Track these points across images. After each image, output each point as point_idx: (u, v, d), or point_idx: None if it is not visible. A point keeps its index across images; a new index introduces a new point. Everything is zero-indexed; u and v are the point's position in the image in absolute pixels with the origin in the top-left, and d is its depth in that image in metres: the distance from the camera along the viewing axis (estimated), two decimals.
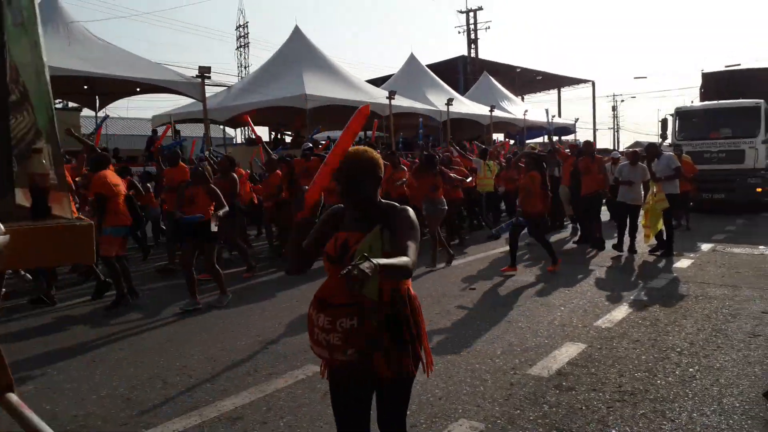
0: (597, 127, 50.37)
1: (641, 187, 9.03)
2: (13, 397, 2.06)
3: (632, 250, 9.19)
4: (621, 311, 5.92)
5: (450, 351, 4.84)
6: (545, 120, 31.27)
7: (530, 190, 7.91)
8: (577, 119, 34.33)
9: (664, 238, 9.08)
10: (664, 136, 15.52)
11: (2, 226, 1.44)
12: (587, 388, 4.03)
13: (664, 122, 15.51)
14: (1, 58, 1.71)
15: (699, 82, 18.15)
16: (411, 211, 2.25)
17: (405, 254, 2.02)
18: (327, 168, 2.27)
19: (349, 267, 1.70)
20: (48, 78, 1.70)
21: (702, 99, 17.26)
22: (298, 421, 3.63)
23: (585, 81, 49.66)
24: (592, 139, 18.13)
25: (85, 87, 18.12)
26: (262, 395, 4.03)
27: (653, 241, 9.16)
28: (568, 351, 4.78)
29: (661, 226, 8.92)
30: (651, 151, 9.68)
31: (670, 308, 5.98)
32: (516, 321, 5.68)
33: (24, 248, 1.53)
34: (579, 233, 10.72)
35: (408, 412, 3.68)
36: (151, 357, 4.91)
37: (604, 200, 10.27)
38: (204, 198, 6.51)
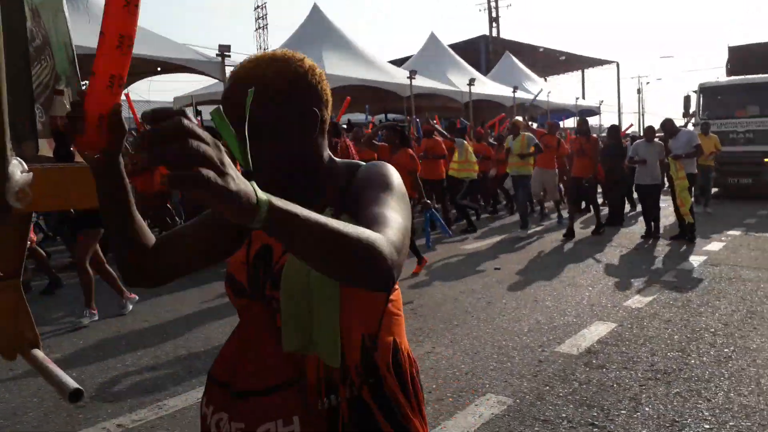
0: (622, 110, 49.52)
1: (658, 165, 8.57)
2: (39, 352, 2.01)
3: (654, 234, 8.63)
4: (651, 292, 5.77)
5: (476, 328, 4.75)
6: (571, 102, 30.78)
7: None
8: (602, 101, 33.76)
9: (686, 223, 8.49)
10: (686, 115, 14.53)
11: (26, 165, 1.37)
12: (618, 366, 3.91)
13: (686, 99, 14.55)
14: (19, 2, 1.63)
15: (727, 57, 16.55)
16: (388, 167, 1.13)
17: (373, 228, 0.91)
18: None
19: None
20: (66, 15, 1.62)
21: (729, 75, 15.95)
22: None
23: (609, 62, 48.75)
24: (616, 122, 17.54)
25: None
26: None
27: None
28: (598, 330, 4.66)
29: (688, 203, 8.32)
30: (667, 127, 8.98)
31: (703, 289, 5.81)
32: (543, 300, 5.56)
33: (48, 189, 1.46)
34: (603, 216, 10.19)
35: (434, 386, 3.62)
36: (175, 329, 4.89)
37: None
38: None
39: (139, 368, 4.03)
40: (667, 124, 9.03)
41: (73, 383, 1.56)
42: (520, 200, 9.63)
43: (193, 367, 4.02)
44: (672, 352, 4.17)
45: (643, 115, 53.04)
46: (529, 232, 9.35)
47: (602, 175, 9.73)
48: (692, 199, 8.62)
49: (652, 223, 8.71)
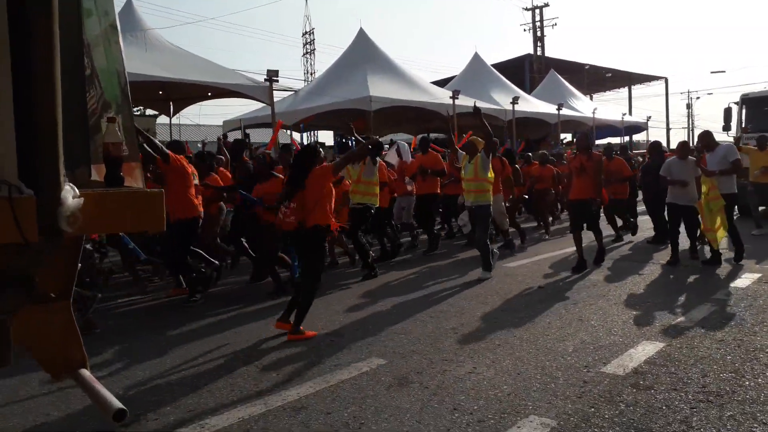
0: (671, 126, 48.26)
1: (694, 185, 7.65)
2: (86, 372, 2.11)
3: (694, 255, 8.08)
4: (701, 311, 5.59)
5: (518, 348, 4.69)
6: (617, 119, 30.23)
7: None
8: (649, 117, 33.03)
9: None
10: (727, 128, 13.50)
11: (77, 190, 1.46)
12: (667, 388, 3.80)
13: (727, 112, 13.42)
14: (79, 34, 1.74)
15: None
16: None
17: None
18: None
19: None
20: (121, 46, 1.73)
21: None
22: (362, 412, 3.59)
23: (657, 78, 47.75)
24: (664, 140, 16.99)
25: (160, 92, 18.85)
26: (326, 385, 4.01)
27: (723, 243, 7.89)
28: (645, 350, 4.54)
29: (725, 226, 7.56)
30: (704, 140, 8.02)
31: (757, 308, 5.59)
32: (588, 319, 5.45)
33: (98, 213, 1.55)
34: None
35: (475, 407, 3.60)
36: (217, 347, 5.00)
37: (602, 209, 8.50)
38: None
39: (182, 387, 4.13)
40: (705, 137, 8.17)
41: (117, 403, 1.64)
42: (479, 237, 7.66)
43: (235, 385, 4.10)
44: (725, 373, 4.02)
45: (692, 130, 51.61)
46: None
47: (606, 197, 8.98)
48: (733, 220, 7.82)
49: (697, 243, 8.23)
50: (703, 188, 7.51)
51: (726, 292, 6.29)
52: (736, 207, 8.41)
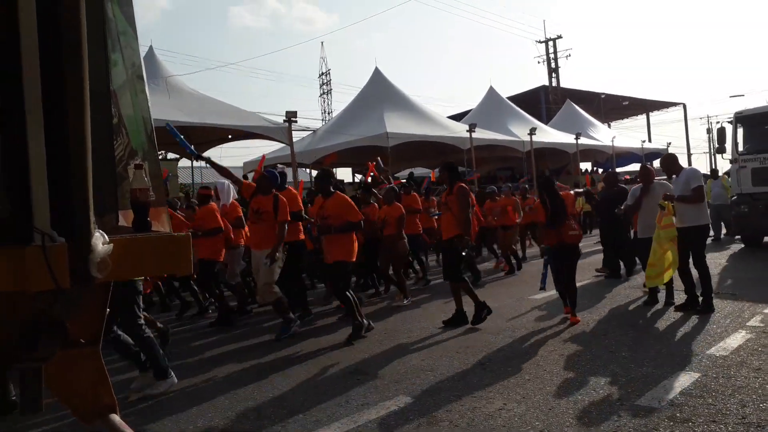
0: (692, 152, 47.86)
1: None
2: (116, 418, 2.11)
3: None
4: (736, 338, 5.44)
5: (548, 382, 4.59)
6: (637, 146, 30.08)
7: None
8: (669, 143, 32.86)
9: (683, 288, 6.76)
10: (721, 150, 12.14)
11: (107, 237, 1.49)
12: (706, 420, 3.68)
13: (720, 132, 12.07)
14: (107, 86, 1.80)
15: None
16: None
17: None
18: None
19: None
20: (147, 96, 1.78)
21: None
22: None
23: (675, 104, 47.61)
24: (686, 164, 16.62)
25: (182, 137, 19.26)
26: (354, 426, 3.95)
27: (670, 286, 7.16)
28: (680, 380, 4.41)
29: (674, 263, 6.77)
30: (666, 165, 6.95)
31: None
32: (618, 351, 5.34)
33: (126, 258, 1.58)
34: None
35: None
36: (244, 389, 4.97)
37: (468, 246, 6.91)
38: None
39: (211, 430, 4.10)
40: (666, 161, 7.04)
41: None
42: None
43: (263, 427, 4.06)
44: (765, 402, 3.88)
45: (714, 155, 51.08)
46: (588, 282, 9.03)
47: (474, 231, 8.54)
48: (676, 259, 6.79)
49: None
50: (658, 216, 6.80)
51: (761, 319, 6.12)
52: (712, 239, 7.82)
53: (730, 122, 12.41)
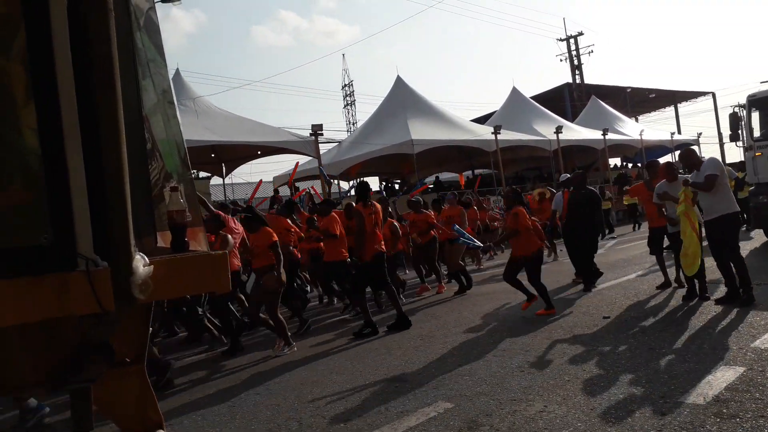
0: (723, 141, 46.77)
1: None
2: None
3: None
4: None
5: (589, 382, 4.54)
6: (666, 138, 29.53)
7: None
8: (700, 134, 32.18)
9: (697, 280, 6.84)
10: (735, 137, 11.38)
11: (147, 258, 1.55)
12: (754, 415, 3.59)
13: (733, 117, 11.22)
14: (140, 113, 1.87)
15: None
16: None
17: None
18: None
19: None
20: (178, 120, 1.84)
21: None
22: None
23: (704, 93, 46.63)
24: (718, 154, 16.04)
25: (212, 155, 19.63)
26: None
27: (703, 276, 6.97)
28: (725, 375, 4.32)
29: (698, 254, 6.66)
30: (686, 161, 6.90)
31: None
32: (659, 348, 5.25)
33: (167, 279, 1.63)
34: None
35: None
36: (286, 399, 5.02)
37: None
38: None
39: None
40: (685, 156, 7.00)
41: None
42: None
43: None
44: None
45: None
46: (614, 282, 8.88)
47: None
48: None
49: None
50: (681, 198, 6.76)
51: None
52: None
53: (741, 106, 11.39)
